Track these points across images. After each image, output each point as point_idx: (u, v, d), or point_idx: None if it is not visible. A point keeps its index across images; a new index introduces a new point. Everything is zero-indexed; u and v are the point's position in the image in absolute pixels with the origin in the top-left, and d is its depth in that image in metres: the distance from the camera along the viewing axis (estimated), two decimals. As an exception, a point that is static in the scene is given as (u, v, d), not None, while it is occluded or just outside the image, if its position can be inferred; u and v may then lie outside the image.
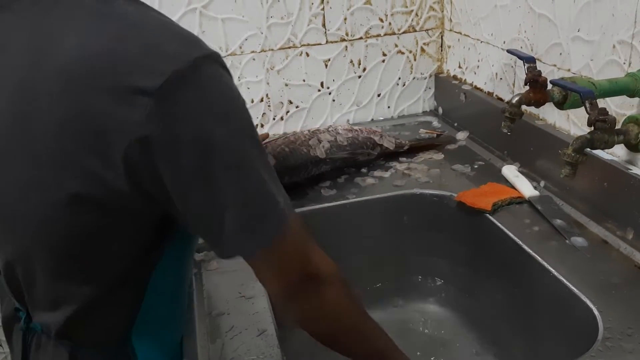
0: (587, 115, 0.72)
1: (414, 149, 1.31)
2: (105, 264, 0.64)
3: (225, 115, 0.56)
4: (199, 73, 0.54)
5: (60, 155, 0.55)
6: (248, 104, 1.38)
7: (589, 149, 0.75)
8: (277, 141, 1.18)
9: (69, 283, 0.65)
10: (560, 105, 0.83)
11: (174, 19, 1.27)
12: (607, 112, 0.71)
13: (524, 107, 0.86)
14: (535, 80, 0.80)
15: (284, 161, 1.13)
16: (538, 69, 0.83)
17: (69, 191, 0.57)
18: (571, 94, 0.81)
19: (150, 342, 0.73)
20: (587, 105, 0.70)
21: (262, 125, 1.44)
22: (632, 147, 0.75)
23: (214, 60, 0.57)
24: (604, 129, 0.71)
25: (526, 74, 0.81)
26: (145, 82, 0.52)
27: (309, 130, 1.23)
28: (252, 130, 0.59)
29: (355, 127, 1.27)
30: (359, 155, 1.23)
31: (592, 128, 0.72)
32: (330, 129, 1.24)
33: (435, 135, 1.39)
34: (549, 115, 1.10)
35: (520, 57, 0.84)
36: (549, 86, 0.83)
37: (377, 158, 1.27)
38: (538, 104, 0.82)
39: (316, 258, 0.65)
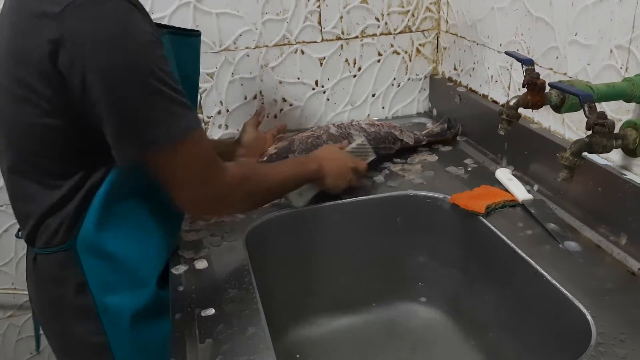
0: (585, 119, 0.72)
1: (431, 143, 1.33)
2: (53, 165, 0.79)
3: (117, 43, 0.69)
4: (98, 4, 0.68)
5: (11, 67, 0.74)
6: (241, 101, 1.37)
7: (585, 153, 0.74)
8: (303, 135, 1.20)
9: (24, 182, 0.81)
10: (558, 108, 0.82)
11: (167, 12, 1.26)
12: (606, 116, 0.70)
13: (520, 109, 0.85)
14: (533, 83, 0.80)
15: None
16: (536, 71, 0.83)
17: (17, 93, 0.74)
18: (569, 97, 0.80)
19: (97, 257, 0.84)
20: (586, 108, 0.69)
21: None
22: (630, 151, 0.75)
23: None
24: (602, 133, 0.71)
25: (524, 77, 0.81)
26: (50, 8, 0.68)
27: (333, 124, 1.25)
28: (147, 60, 0.71)
29: (377, 122, 1.27)
30: (381, 150, 1.23)
31: (591, 132, 0.71)
32: (354, 124, 1.25)
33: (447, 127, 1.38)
34: (544, 118, 1.10)
35: (518, 60, 0.83)
36: (547, 89, 0.83)
37: (396, 152, 1.27)
38: (535, 106, 0.81)
39: (212, 173, 0.80)
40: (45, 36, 0.68)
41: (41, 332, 0.98)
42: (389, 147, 1.25)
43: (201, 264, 0.93)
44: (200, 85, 1.34)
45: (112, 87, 0.70)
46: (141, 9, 0.76)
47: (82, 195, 0.81)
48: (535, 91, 0.81)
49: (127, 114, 0.72)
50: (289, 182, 0.97)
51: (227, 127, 1.41)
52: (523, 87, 0.82)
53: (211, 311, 0.81)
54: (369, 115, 1.50)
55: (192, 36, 0.97)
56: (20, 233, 0.90)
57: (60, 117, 0.74)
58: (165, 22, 1.26)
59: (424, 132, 1.33)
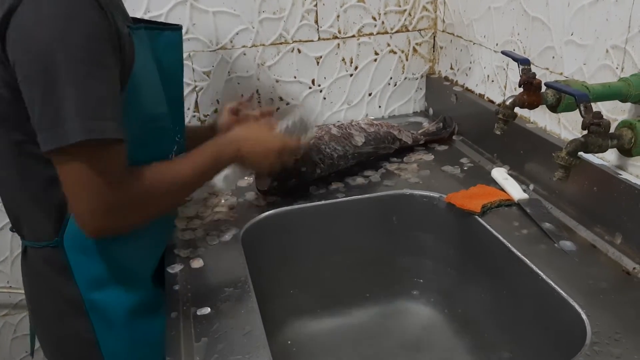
0: (581, 119, 0.72)
1: (428, 142, 1.33)
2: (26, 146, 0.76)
3: (59, 28, 0.67)
4: None
5: None
6: (238, 99, 1.37)
7: (581, 153, 0.75)
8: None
9: (7, 171, 0.81)
10: (554, 108, 0.82)
11: (164, 10, 1.26)
12: (602, 115, 0.71)
13: (516, 109, 0.85)
14: (529, 83, 0.80)
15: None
16: (532, 71, 0.83)
17: None
18: (565, 97, 0.80)
19: (85, 254, 0.83)
20: (582, 108, 0.70)
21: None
22: (626, 151, 0.75)
23: None
24: (598, 133, 0.71)
25: (521, 76, 0.81)
26: None
27: (334, 125, 1.23)
28: (83, 50, 0.68)
29: (376, 122, 1.27)
30: (381, 150, 1.23)
31: (586, 132, 0.71)
32: (354, 124, 1.24)
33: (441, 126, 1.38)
34: (540, 118, 1.10)
35: (515, 59, 0.84)
36: (543, 89, 0.83)
37: (395, 152, 1.27)
38: (532, 106, 0.82)
39: (109, 182, 0.73)
40: (4, 5, 0.68)
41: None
42: (389, 147, 1.25)
43: (197, 263, 0.92)
44: (196, 83, 1.34)
45: (32, 66, 0.68)
46: (102, 2, 0.72)
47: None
48: (532, 91, 0.81)
49: (38, 97, 0.69)
50: (205, 173, 0.88)
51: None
52: (519, 86, 0.82)
53: (207, 310, 0.81)
54: (367, 115, 1.50)
55: (167, 30, 0.94)
56: (12, 227, 0.90)
57: (9, 92, 0.73)
58: (162, 20, 1.25)
59: (420, 132, 1.33)
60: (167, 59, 0.92)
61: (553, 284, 0.83)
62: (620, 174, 0.88)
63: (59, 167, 0.72)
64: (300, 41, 1.38)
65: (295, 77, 1.41)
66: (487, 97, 1.28)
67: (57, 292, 0.86)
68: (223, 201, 1.12)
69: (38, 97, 0.69)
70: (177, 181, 0.83)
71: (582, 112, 0.70)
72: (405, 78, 1.50)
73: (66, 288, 0.84)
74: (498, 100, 1.24)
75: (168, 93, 0.91)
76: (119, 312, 0.86)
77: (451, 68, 1.43)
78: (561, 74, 1.02)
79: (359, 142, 1.17)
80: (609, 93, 0.80)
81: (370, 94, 1.49)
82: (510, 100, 0.82)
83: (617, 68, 0.89)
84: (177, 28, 0.96)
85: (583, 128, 0.71)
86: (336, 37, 1.40)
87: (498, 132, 0.84)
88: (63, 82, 0.68)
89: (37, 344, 0.99)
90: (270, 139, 0.97)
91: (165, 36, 0.93)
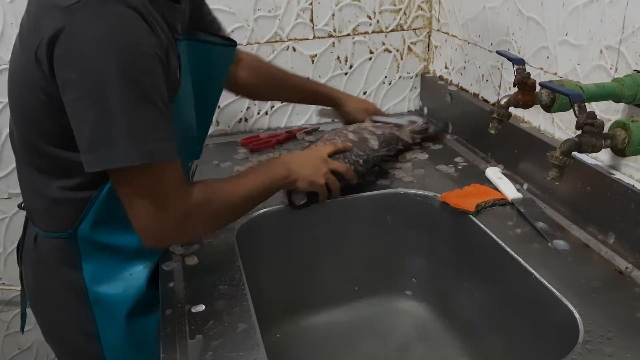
0: (575, 119, 0.73)
1: (423, 140, 1.33)
2: (60, 153, 0.77)
3: (109, 49, 0.67)
4: (104, 5, 0.68)
5: (20, 54, 0.76)
6: (233, 97, 1.37)
7: (575, 153, 0.75)
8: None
9: (30, 169, 0.83)
10: (548, 108, 0.83)
11: (160, 7, 1.25)
12: (596, 115, 0.71)
13: (511, 108, 0.86)
14: (524, 82, 0.80)
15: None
16: (527, 71, 0.83)
17: (22, 78, 0.76)
18: (559, 97, 0.81)
19: (95, 247, 0.85)
20: (576, 108, 0.70)
21: (246, 120, 1.43)
22: (619, 151, 0.75)
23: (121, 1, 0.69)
24: (592, 133, 0.71)
25: (515, 76, 0.81)
26: (62, 2, 0.68)
27: (347, 129, 1.18)
28: (134, 72, 0.68)
29: (378, 124, 1.24)
30: (392, 151, 1.22)
31: (580, 131, 0.72)
32: (362, 127, 1.20)
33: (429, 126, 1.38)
34: (534, 118, 1.10)
35: (509, 59, 0.84)
36: (537, 88, 0.83)
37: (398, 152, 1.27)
38: (526, 106, 0.82)
39: (171, 200, 0.75)
40: (50, 25, 0.68)
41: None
42: (395, 148, 1.23)
43: (192, 260, 0.92)
44: (191, 81, 1.34)
45: (84, 87, 0.68)
46: (149, 18, 0.73)
47: (88, 186, 0.81)
48: (526, 90, 0.81)
49: (90, 118, 0.69)
50: (256, 195, 0.89)
51: (217, 123, 1.41)
52: (514, 86, 0.82)
53: (201, 307, 0.81)
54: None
55: (222, 45, 0.95)
56: (23, 205, 0.92)
57: (55, 108, 0.73)
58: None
59: (408, 129, 1.31)
60: (214, 70, 0.93)
61: (546, 282, 0.83)
62: (614, 174, 0.89)
63: (116, 184, 0.75)
64: (295, 39, 1.38)
65: (290, 76, 1.41)
66: (482, 97, 1.28)
67: (63, 281, 0.87)
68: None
69: (90, 117, 0.68)
70: (231, 198, 0.84)
71: (576, 112, 0.70)
72: (400, 77, 1.50)
73: (72, 279, 0.86)
74: (492, 99, 1.25)
75: (206, 103, 0.93)
76: (122, 306, 0.87)
77: (446, 67, 1.43)
78: (555, 74, 1.02)
79: (375, 145, 1.15)
80: (602, 93, 0.81)
81: (365, 93, 1.49)
82: (505, 100, 0.83)
83: (611, 68, 0.89)
84: (232, 44, 0.97)
85: (577, 128, 0.72)
86: (331, 36, 1.40)
87: (493, 132, 0.85)
88: (115, 103, 0.67)
89: (27, 326, 1.01)
90: (316, 150, 1.03)
91: (219, 50, 0.94)
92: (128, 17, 0.69)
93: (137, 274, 0.89)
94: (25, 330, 1.12)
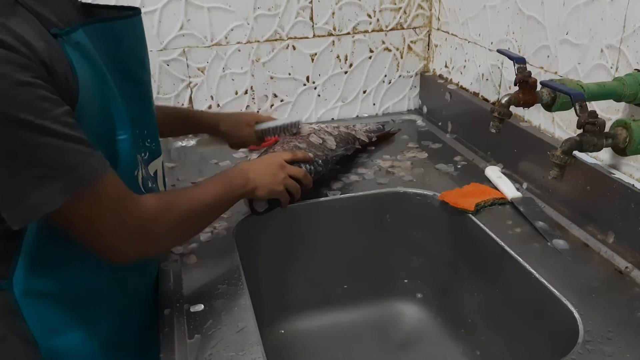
0: (575, 118, 0.72)
1: (379, 139, 1.34)
2: None
3: None
4: None
5: None
6: (232, 96, 1.37)
7: (575, 152, 0.75)
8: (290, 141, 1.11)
9: None
10: (549, 107, 0.83)
11: (158, 5, 1.25)
12: (597, 115, 0.71)
13: (511, 107, 0.85)
14: (525, 81, 0.80)
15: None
16: (528, 70, 0.83)
17: None
18: (560, 96, 0.81)
19: (35, 298, 0.72)
20: (578, 107, 0.70)
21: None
22: (620, 150, 0.75)
23: None
24: (593, 132, 0.71)
25: (516, 75, 0.81)
26: None
27: (313, 133, 1.15)
28: (18, 113, 0.58)
29: (334, 125, 1.23)
30: (349, 150, 1.22)
31: (582, 131, 0.72)
32: (318, 129, 1.19)
33: (383, 125, 1.38)
34: (534, 117, 1.10)
35: (510, 58, 0.84)
36: (538, 87, 0.83)
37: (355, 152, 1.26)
38: (527, 105, 0.82)
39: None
40: None
41: None
42: (352, 147, 1.22)
43: (190, 260, 0.92)
44: (190, 79, 1.34)
45: None
46: (12, 37, 0.60)
47: (6, 229, 0.65)
48: (527, 89, 0.81)
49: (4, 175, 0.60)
50: (216, 205, 0.84)
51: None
52: (515, 85, 0.82)
53: (200, 307, 0.81)
54: (357, 116, 1.50)
55: (116, 20, 0.78)
56: None
57: None
58: (156, 15, 1.25)
59: (364, 130, 1.30)
60: (123, 53, 0.79)
61: (546, 282, 0.83)
62: (614, 174, 0.89)
63: (57, 222, 0.67)
64: (295, 38, 1.37)
65: (289, 74, 1.41)
66: (482, 96, 1.28)
67: (10, 339, 0.74)
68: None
69: (9, 164, 0.60)
70: (192, 205, 0.79)
71: (578, 111, 0.70)
72: (400, 76, 1.50)
73: (21, 335, 0.73)
74: (492, 98, 1.24)
75: (131, 94, 0.79)
76: (83, 358, 0.78)
77: (446, 66, 1.43)
78: (556, 73, 1.02)
79: (332, 145, 1.15)
80: (603, 92, 0.81)
81: (364, 92, 1.48)
82: (505, 99, 0.82)
83: (611, 68, 0.89)
84: (133, 14, 0.80)
85: (578, 127, 0.71)
86: (331, 34, 1.40)
87: (493, 131, 0.84)
88: (15, 152, 0.60)
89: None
90: (273, 157, 0.99)
91: (117, 27, 0.78)
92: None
93: (94, 319, 0.78)
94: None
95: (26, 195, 0.61)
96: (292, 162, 1.00)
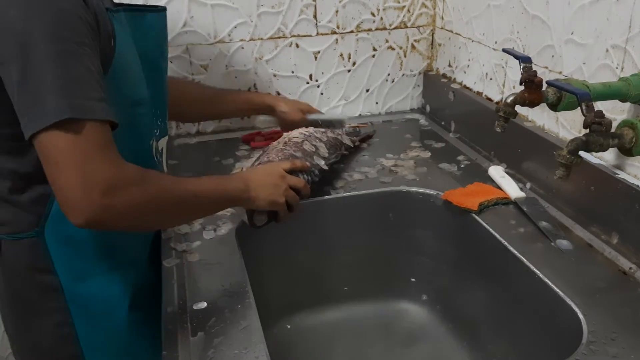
0: (580, 118, 0.72)
1: (362, 142, 1.34)
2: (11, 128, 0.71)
3: (35, 9, 0.64)
4: None
5: None
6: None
7: (581, 152, 0.74)
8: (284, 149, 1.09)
9: None
10: (554, 106, 0.82)
11: (162, 2, 1.24)
12: (604, 114, 0.70)
13: (516, 107, 0.85)
14: (530, 81, 0.79)
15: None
16: (533, 69, 0.83)
17: None
18: (565, 95, 0.80)
19: (65, 244, 0.80)
20: (584, 107, 0.69)
21: (248, 116, 1.42)
22: (626, 151, 0.75)
23: None
24: (599, 132, 0.71)
25: (522, 74, 0.81)
26: None
27: (293, 138, 1.13)
28: (60, 31, 0.65)
29: (321, 130, 1.21)
30: (338, 156, 1.20)
31: (588, 130, 0.71)
32: (309, 136, 1.15)
33: (359, 128, 1.37)
34: (538, 117, 1.10)
35: (516, 57, 0.83)
36: (544, 87, 0.83)
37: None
38: (532, 104, 0.81)
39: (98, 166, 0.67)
40: None
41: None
42: (340, 153, 1.21)
43: (193, 257, 0.92)
44: (193, 76, 1.33)
45: (8, 49, 0.65)
46: None
47: (41, 178, 0.70)
48: (533, 89, 0.80)
49: (16, 80, 0.65)
50: (205, 200, 0.81)
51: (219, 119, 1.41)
52: (520, 84, 0.82)
53: (203, 304, 0.81)
54: (360, 114, 1.50)
55: (150, 12, 0.91)
56: None
57: None
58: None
59: (345, 134, 1.28)
60: (149, 42, 0.89)
61: (549, 282, 0.83)
62: (618, 174, 0.89)
63: (43, 150, 0.66)
64: (298, 36, 1.37)
65: (292, 72, 1.40)
66: (485, 95, 1.28)
67: (35, 285, 0.82)
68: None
69: (16, 79, 0.65)
70: (173, 187, 0.76)
71: (584, 111, 0.70)
72: (403, 75, 1.50)
73: (45, 281, 0.82)
74: (496, 98, 1.24)
75: (150, 77, 0.89)
76: (101, 304, 0.84)
77: (449, 65, 1.42)
78: (560, 72, 1.02)
79: (325, 153, 1.13)
80: (609, 92, 0.80)
81: (367, 90, 1.48)
82: (511, 98, 0.82)
83: (617, 68, 0.89)
84: (161, 9, 0.94)
85: (584, 127, 0.71)
86: (334, 33, 1.39)
87: (499, 130, 0.84)
88: (40, 61, 0.64)
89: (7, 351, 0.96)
90: (273, 167, 0.96)
91: (148, 19, 0.90)
92: None
93: (115, 267, 0.85)
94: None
95: (38, 103, 0.64)
96: (291, 172, 0.98)
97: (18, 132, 0.67)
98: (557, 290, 0.82)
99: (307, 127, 1.20)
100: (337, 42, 1.40)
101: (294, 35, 1.37)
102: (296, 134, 1.15)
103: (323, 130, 1.21)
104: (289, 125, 1.23)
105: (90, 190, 0.65)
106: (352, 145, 1.27)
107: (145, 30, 0.89)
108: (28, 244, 0.81)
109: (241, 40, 1.34)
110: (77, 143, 0.65)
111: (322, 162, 1.10)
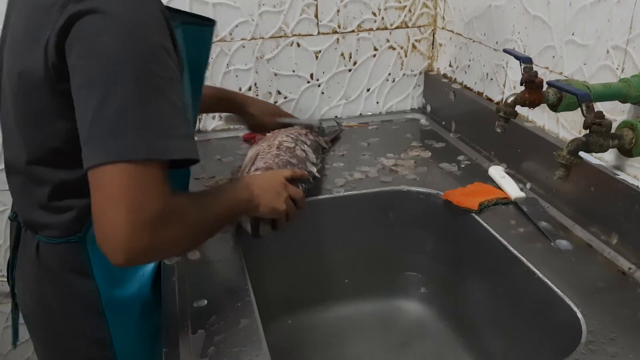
0: (580, 119, 0.72)
1: (333, 143, 1.34)
2: (57, 145, 0.73)
3: (123, 33, 0.64)
4: None
5: (25, 42, 0.71)
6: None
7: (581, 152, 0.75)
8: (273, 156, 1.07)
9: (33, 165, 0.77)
10: (555, 107, 0.82)
11: (163, 1, 1.24)
12: (604, 115, 0.71)
13: (517, 107, 0.85)
14: (531, 81, 0.80)
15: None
16: (534, 69, 0.83)
17: (19, 67, 0.72)
18: (566, 96, 0.81)
19: None
20: (584, 108, 0.70)
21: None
22: (626, 151, 0.75)
23: None
24: (599, 133, 0.71)
25: (522, 74, 0.81)
26: None
27: (280, 143, 1.11)
28: (150, 57, 0.65)
29: (302, 131, 1.20)
30: (322, 160, 1.20)
31: (588, 131, 0.72)
32: (298, 141, 1.14)
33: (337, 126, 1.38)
34: (538, 117, 1.10)
35: (517, 57, 0.83)
36: (545, 87, 0.83)
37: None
38: (533, 105, 0.82)
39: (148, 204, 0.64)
40: (67, 11, 0.64)
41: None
42: (321, 157, 1.21)
43: (194, 255, 0.92)
44: (194, 75, 1.33)
45: (94, 73, 0.63)
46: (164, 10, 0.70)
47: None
48: (533, 89, 0.81)
49: (95, 103, 0.63)
50: (226, 216, 0.81)
51: (220, 117, 1.41)
52: (521, 84, 0.82)
53: (204, 302, 0.81)
54: (361, 114, 1.50)
55: (204, 26, 0.93)
56: (13, 215, 0.87)
57: (62, 97, 0.68)
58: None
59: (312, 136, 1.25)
60: (196, 53, 0.89)
61: (549, 282, 0.83)
62: (618, 174, 0.89)
63: (100, 181, 0.63)
64: (299, 35, 1.37)
65: (293, 71, 1.41)
66: (486, 95, 1.28)
67: (71, 289, 0.82)
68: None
69: (93, 105, 0.62)
70: (205, 212, 0.75)
71: (584, 112, 0.70)
72: (404, 74, 1.50)
73: (82, 286, 0.81)
74: (496, 98, 1.24)
75: (196, 85, 0.91)
76: (135, 308, 0.85)
77: (450, 65, 1.43)
78: (561, 73, 1.02)
79: (314, 159, 1.13)
80: (609, 93, 0.81)
81: (368, 90, 1.48)
82: (511, 98, 0.82)
83: (617, 69, 0.89)
84: (211, 24, 0.94)
85: (585, 127, 0.71)
86: (336, 32, 1.40)
87: (499, 130, 0.84)
88: (125, 94, 0.62)
89: (21, 338, 0.98)
90: (275, 174, 0.95)
91: (199, 31, 0.91)
92: (156, 9, 0.67)
93: (147, 272, 0.86)
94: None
95: (115, 134, 0.62)
96: (291, 180, 0.97)
97: (69, 150, 0.69)
98: (557, 290, 0.82)
99: (276, 129, 1.20)
100: (338, 42, 1.41)
101: (295, 35, 1.37)
102: (284, 137, 1.13)
103: (304, 132, 1.20)
104: (257, 127, 1.25)
105: (140, 233, 0.63)
106: (326, 147, 1.27)
107: (196, 41, 0.89)
108: (68, 248, 0.80)
109: (242, 39, 1.34)
110: (139, 180, 0.63)
111: (314, 170, 1.09)
